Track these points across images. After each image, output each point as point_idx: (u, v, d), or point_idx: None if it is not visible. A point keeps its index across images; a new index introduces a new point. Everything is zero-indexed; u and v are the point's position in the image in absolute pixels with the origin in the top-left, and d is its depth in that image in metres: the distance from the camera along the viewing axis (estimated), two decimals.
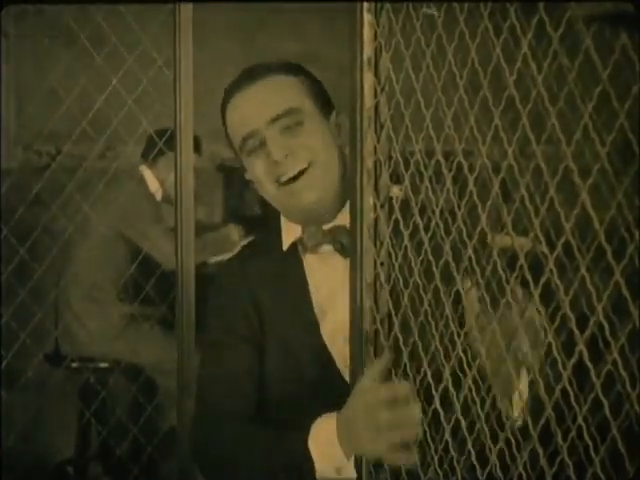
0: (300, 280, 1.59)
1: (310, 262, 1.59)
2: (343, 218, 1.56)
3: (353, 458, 1.29)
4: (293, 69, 1.56)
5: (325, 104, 1.57)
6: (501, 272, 0.95)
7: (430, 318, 1.14)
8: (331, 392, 1.48)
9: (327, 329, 1.55)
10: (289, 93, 1.53)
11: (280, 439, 1.43)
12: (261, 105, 1.51)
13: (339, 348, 1.53)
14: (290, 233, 1.60)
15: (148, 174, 3.57)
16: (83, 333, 3.45)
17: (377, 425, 1.21)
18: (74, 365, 3.43)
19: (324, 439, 1.34)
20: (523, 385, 1.30)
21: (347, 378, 1.50)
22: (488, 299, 1.17)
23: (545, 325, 1.23)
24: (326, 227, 1.56)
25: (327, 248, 1.56)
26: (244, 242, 1.75)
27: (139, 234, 3.43)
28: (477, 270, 1.02)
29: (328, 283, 1.57)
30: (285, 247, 1.61)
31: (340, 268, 1.55)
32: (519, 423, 1.30)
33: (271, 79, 1.53)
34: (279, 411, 1.59)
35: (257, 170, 1.53)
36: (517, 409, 1.29)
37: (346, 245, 1.54)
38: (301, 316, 1.57)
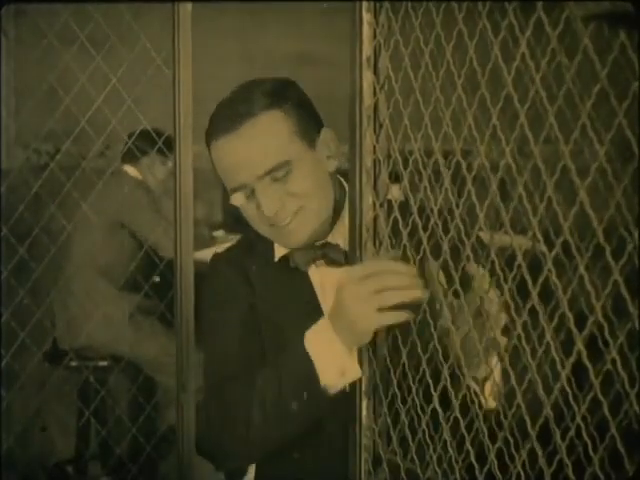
0: (305, 285, 1.60)
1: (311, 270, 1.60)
2: (334, 237, 1.58)
3: (356, 357, 1.28)
4: (277, 99, 1.51)
5: (311, 128, 1.54)
6: (499, 272, 0.95)
7: (429, 318, 1.14)
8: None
9: None
10: (277, 142, 1.49)
11: (278, 366, 1.41)
12: (250, 160, 1.49)
13: None
14: (281, 248, 1.61)
15: (134, 172, 3.63)
16: (84, 330, 3.45)
17: (363, 297, 1.21)
18: (73, 364, 3.43)
19: (321, 340, 1.33)
20: (496, 371, 1.30)
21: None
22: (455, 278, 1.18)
23: (501, 306, 1.24)
24: (318, 243, 1.58)
25: (319, 262, 1.58)
26: (233, 240, 1.76)
27: (138, 223, 3.47)
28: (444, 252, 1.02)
29: (322, 289, 1.59)
30: (276, 258, 1.62)
31: (332, 274, 1.56)
32: (493, 409, 1.30)
33: (256, 121, 1.49)
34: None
35: (247, 211, 1.53)
36: (491, 395, 1.30)
37: (337, 259, 1.56)
38: (309, 316, 1.57)
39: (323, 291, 1.59)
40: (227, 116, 1.51)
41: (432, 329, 1.11)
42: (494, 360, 1.30)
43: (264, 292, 1.61)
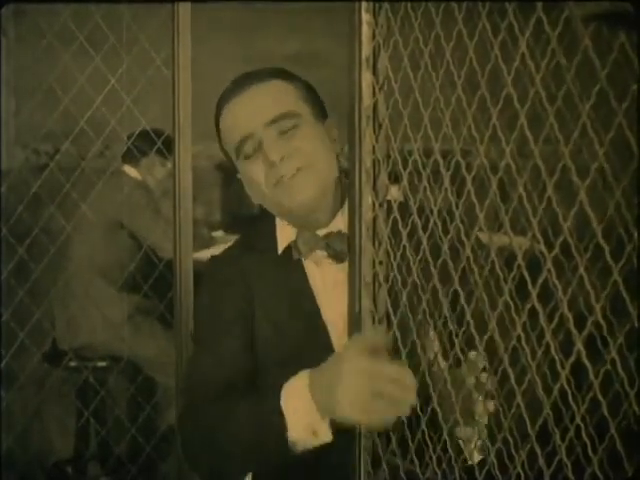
0: (302, 282, 1.59)
1: (306, 265, 1.60)
2: (338, 224, 1.57)
3: (328, 421, 1.28)
4: (287, 75, 1.56)
5: (319, 110, 1.57)
6: (499, 272, 0.95)
7: (429, 317, 1.14)
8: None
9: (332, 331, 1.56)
10: (285, 97, 1.53)
11: (254, 408, 1.39)
12: (258, 108, 1.52)
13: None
14: (284, 237, 1.61)
15: (134, 173, 3.63)
16: (84, 329, 3.45)
17: (359, 393, 1.18)
18: (72, 364, 3.43)
19: (297, 396, 1.30)
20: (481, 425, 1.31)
21: None
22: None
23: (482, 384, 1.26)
24: (320, 232, 1.57)
25: (321, 254, 1.58)
26: (231, 240, 1.76)
27: (137, 224, 3.46)
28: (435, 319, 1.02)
29: (324, 287, 1.58)
30: (280, 250, 1.61)
31: (333, 273, 1.56)
32: (475, 462, 1.30)
33: (266, 84, 1.54)
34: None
35: (254, 172, 1.53)
36: (474, 451, 1.30)
37: (340, 251, 1.56)
38: (307, 312, 1.58)
39: (323, 287, 1.59)
40: (238, 83, 1.54)
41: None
42: (480, 415, 1.31)
43: (264, 290, 1.61)
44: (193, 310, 1.71)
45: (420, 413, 1.13)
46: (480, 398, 1.28)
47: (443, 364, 1.24)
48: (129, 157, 3.60)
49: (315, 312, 1.57)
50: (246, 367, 1.57)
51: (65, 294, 3.49)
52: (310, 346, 1.57)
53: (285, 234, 1.60)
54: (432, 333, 1.26)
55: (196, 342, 1.65)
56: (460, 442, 1.30)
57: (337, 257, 1.57)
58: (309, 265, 1.59)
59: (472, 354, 1.27)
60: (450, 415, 1.13)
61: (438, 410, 1.12)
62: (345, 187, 1.59)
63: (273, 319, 1.59)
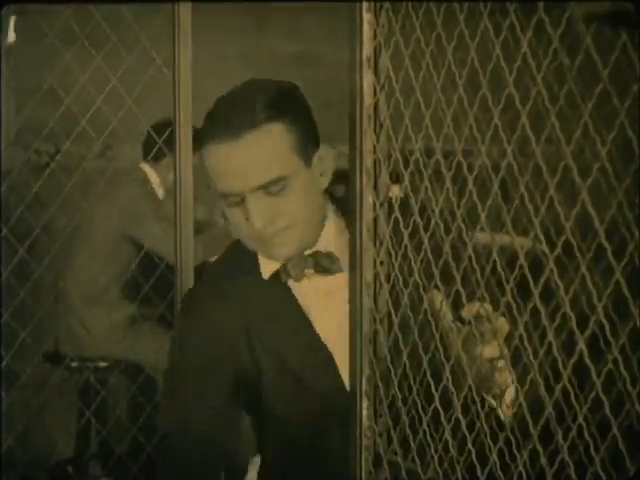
0: (294, 305, 1.57)
1: (293, 286, 1.57)
2: (323, 243, 1.55)
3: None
4: (280, 111, 1.47)
5: (309, 144, 1.51)
6: (500, 271, 0.95)
7: (430, 317, 1.14)
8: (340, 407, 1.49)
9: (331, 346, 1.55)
10: (277, 155, 1.46)
11: None
12: (247, 170, 1.45)
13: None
14: (270, 262, 1.57)
15: (150, 172, 3.55)
16: (85, 334, 3.45)
17: None
18: (74, 364, 3.43)
19: None
20: (507, 381, 1.30)
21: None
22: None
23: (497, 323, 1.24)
24: (308, 252, 1.55)
25: (309, 271, 1.56)
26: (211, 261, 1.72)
27: (143, 232, 3.42)
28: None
29: (316, 300, 1.57)
30: (266, 276, 1.57)
31: (322, 283, 1.55)
32: (509, 418, 1.30)
33: (258, 133, 1.45)
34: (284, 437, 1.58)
35: (235, 219, 1.50)
36: (504, 405, 1.30)
37: (327, 267, 1.54)
38: (305, 338, 1.56)
39: (315, 301, 1.57)
40: (228, 121, 1.46)
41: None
42: (504, 376, 1.30)
43: (258, 320, 1.57)
44: (171, 345, 1.67)
45: (422, 413, 1.13)
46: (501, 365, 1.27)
47: (452, 321, 1.23)
48: (149, 153, 3.40)
49: (312, 333, 1.56)
50: (222, 433, 1.57)
51: (68, 297, 3.48)
52: (313, 367, 1.56)
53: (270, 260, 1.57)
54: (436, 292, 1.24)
55: (166, 395, 1.64)
56: (491, 402, 1.30)
57: (325, 272, 1.55)
58: (295, 285, 1.57)
59: (494, 314, 1.23)
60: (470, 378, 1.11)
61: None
62: (326, 205, 1.57)
63: (273, 349, 1.56)
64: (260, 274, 1.58)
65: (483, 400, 1.27)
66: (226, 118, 1.46)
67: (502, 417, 1.32)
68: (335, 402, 1.50)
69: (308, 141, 1.51)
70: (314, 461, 1.59)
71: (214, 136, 1.46)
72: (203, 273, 1.70)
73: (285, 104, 1.49)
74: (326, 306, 1.56)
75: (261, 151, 1.45)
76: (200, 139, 1.51)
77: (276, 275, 1.57)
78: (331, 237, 1.55)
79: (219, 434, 1.57)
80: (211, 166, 1.49)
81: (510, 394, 1.32)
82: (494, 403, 1.32)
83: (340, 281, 1.51)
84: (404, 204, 1.15)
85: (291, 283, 1.57)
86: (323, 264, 1.54)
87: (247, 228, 1.49)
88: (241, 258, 1.59)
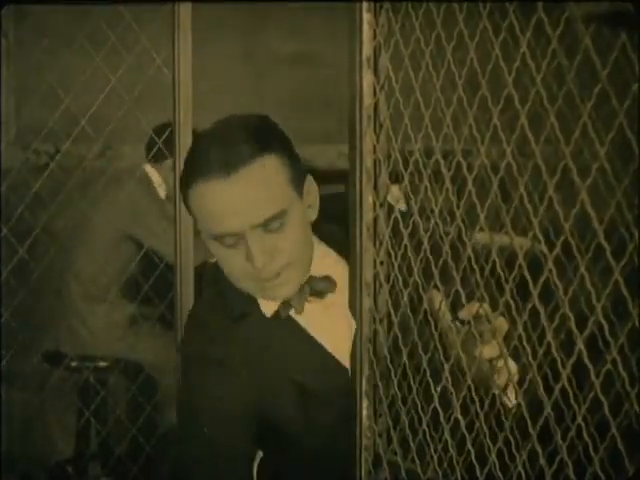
0: (303, 333, 1.54)
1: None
2: (316, 268, 1.52)
3: None
4: (268, 143, 1.41)
5: (300, 175, 1.47)
6: (500, 271, 0.95)
7: (430, 318, 1.14)
8: None
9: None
10: (275, 189, 1.40)
11: None
12: (247, 208, 1.38)
13: None
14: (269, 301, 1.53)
15: (152, 172, 3.54)
16: (85, 333, 3.45)
17: None
18: (73, 364, 3.43)
19: None
20: (512, 369, 1.30)
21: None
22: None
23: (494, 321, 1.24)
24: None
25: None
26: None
27: (144, 231, 3.41)
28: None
29: (316, 319, 1.55)
30: (269, 314, 1.53)
31: (319, 305, 1.53)
32: (514, 404, 1.30)
33: (251, 168, 1.38)
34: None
35: (230, 261, 1.43)
36: (511, 393, 1.30)
37: (321, 290, 1.52)
38: (324, 362, 1.54)
39: (318, 325, 1.55)
40: (216, 158, 1.38)
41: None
42: (503, 376, 1.30)
43: (268, 355, 1.53)
44: (177, 393, 1.61)
45: (421, 413, 1.13)
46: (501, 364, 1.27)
47: (451, 320, 1.23)
48: (154, 154, 3.42)
49: (326, 353, 1.54)
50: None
51: (69, 297, 3.48)
52: (330, 386, 1.52)
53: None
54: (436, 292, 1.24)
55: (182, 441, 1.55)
56: (495, 390, 1.30)
57: (319, 294, 1.52)
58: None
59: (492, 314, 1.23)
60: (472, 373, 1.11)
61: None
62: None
63: (293, 379, 1.52)
64: (262, 313, 1.53)
65: (482, 400, 1.27)
66: (214, 155, 1.39)
67: (509, 403, 1.31)
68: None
69: (299, 172, 1.46)
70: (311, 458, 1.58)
71: (202, 175, 1.38)
72: (195, 315, 1.62)
73: (270, 136, 1.45)
74: (327, 318, 1.55)
75: (259, 186, 1.39)
76: (185, 180, 1.43)
77: (278, 312, 1.53)
78: (319, 259, 1.53)
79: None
80: (201, 207, 1.41)
81: (514, 381, 1.32)
82: (499, 391, 1.31)
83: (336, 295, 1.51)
84: (404, 214, 1.15)
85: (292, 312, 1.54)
86: (317, 287, 1.51)
87: (245, 269, 1.42)
88: (236, 298, 1.52)
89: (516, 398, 1.26)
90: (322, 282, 1.52)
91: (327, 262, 1.53)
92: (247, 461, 1.57)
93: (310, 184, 1.50)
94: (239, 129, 1.42)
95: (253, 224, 1.39)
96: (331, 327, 1.54)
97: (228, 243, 1.41)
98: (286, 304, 1.52)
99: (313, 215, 1.51)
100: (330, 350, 1.54)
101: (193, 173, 1.40)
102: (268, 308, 1.54)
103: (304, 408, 1.53)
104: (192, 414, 1.53)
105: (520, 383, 1.22)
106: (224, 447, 1.50)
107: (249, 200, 1.38)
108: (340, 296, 1.48)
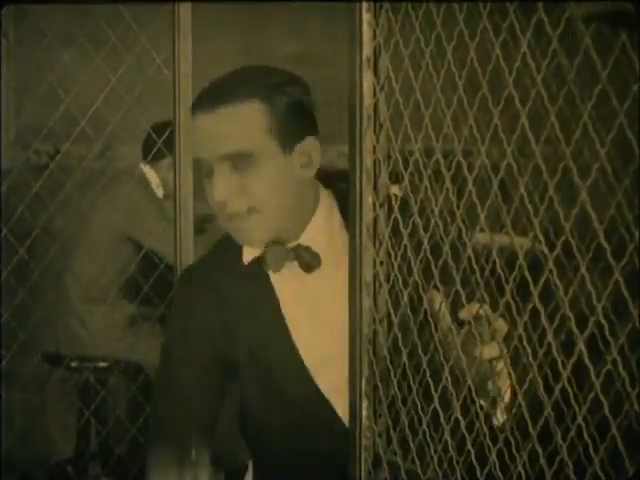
0: (269, 297, 1.57)
1: (275, 278, 1.57)
2: (307, 237, 1.54)
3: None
4: (268, 92, 1.49)
5: (293, 132, 1.50)
6: (500, 272, 0.95)
7: (430, 317, 1.14)
8: (315, 416, 1.51)
9: (305, 349, 1.56)
10: (245, 130, 1.47)
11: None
12: (214, 138, 1.48)
13: (321, 371, 1.54)
14: (250, 250, 1.57)
15: (150, 172, 3.54)
16: (85, 334, 3.45)
17: None
18: (73, 365, 3.43)
19: None
20: (503, 385, 1.30)
21: (330, 399, 1.53)
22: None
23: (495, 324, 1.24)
24: (290, 245, 1.54)
25: (292, 264, 1.54)
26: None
27: (143, 232, 3.41)
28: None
29: (297, 299, 1.57)
30: (246, 261, 1.58)
31: (307, 283, 1.55)
32: (501, 422, 1.30)
33: (234, 108, 1.47)
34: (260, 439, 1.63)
35: (210, 198, 1.51)
36: (499, 410, 1.29)
37: (309, 262, 1.53)
38: (277, 336, 1.57)
39: (291, 297, 1.57)
40: (212, 94, 1.50)
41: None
42: (503, 378, 1.30)
43: (233, 306, 1.59)
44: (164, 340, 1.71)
45: (421, 413, 1.13)
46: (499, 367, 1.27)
47: (450, 323, 1.23)
48: (149, 153, 3.42)
49: (284, 329, 1.56)
50: (205, 415, 1.63)
51: (68, 298, 3.48)
52: (281, 366, 1.57)
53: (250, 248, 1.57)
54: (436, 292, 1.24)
55: (159, 381, 1.67)
56: (483, 403, 1.29)
57: (307, 267, 1.54)
58: (275, 276, 1.57)
59: (492, 315, 1.22)
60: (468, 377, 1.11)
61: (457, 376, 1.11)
62: (316, 198, 1.56)
63: (247, 344, 1.58)
64: (241, 260, 1.58)
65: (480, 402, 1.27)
66: (212, 91, 1.51)
67: (495, 422, 1.32)
68: (308, 405, 1.53)
69: (292, 128, 1.50)
70: (298, 460, 1.60)
71: (198, 108, 1.50)
72: (192, 267, 1.74)
73: (277, 87, 1.50)
74: (300, 294, 1.56)
75: (232, 123, 1.47)
76: (192, 112, 1.54)
77: (255, 262, 1.56)
78: (318, 233, 1.54)
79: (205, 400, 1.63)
80: (193, 135, 1.55)
81: (506, 400, 1.32)
82: (488, 408, 1.31)
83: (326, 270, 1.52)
84: (404, 203, 1.15)
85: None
86: (305, 258, 1.53)
87: (218, 207, 1.50)
88: (228, 248, 1.60)
89: (504, 416, 1.26)
90: (307, 253, 1.53)
91: (326, 230, 1.53)
92: (216, 396, 1.65)
93: (309, 145, 1.51)
94: (249, 74, 1.53)
95: (218, 154, 1.47)
96: (306, 307, 1.56)
97: (205, 172, 1.50)
98: (261, 257, 1.54)
99: (306, 175, 1.52)
100: (289, 326, 1.56)
101: (194, 106, 1.52)
102: (247, 255, 1.58)
103: (250, 371, 1.59)
104: (167, 358, 1.66)
105: (513, 393, 1.22)
106: (196, 385, 1.61)
107: (219, 132, 1.48)
108: (331, 270, 1.50)
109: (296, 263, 1.54)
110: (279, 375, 1.56)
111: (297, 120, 1.50)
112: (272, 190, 1.48)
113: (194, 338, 1.61)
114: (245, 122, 1.47)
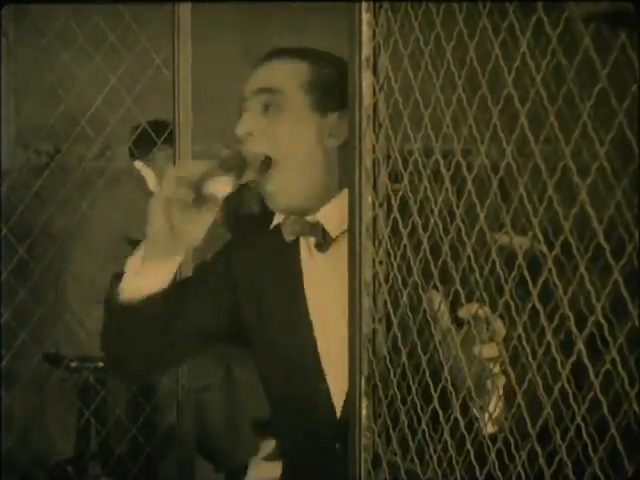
0: (292, 263, 1.60)
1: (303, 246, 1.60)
2: (324, 214, 1.54)
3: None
4: (314, 59, 1.56)
5: (327, 100, 1.53)
6: (499, 271, 0.95)
7: (429, 317, 1.14)
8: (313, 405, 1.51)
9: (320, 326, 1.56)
10: (282, 75, 1.54)
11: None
12: (254, 76, 1.56)
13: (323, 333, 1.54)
14: (278, 215, 1.61)
15: (145, 170, 3.54)
16: (84, 334, 3.45)
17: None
18: (73, 365, 3.43)
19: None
20: (496, 395, 1.30)
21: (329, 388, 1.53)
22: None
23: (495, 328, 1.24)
24: (310, 218, 1.55)
25: (311, 239, 1.56)
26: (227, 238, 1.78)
27: (142, 232, 3.40)
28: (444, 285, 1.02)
29: (318, 277, 1.58)
30: (271, 226, 1.61)
31: (327, 262, 1.56)
32: (490, 432, 1.30)
33: (283, 61, 1.56)
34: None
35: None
36: (489, 420, 1.29)
37: (320, 242, 1.55)
38: (296, 309, 1.58)
39: (314, 271, 1.58)
40: (271, 53, 1.59)
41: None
42: (498, 384, 1.30)
43: (252, 266, 1.63)
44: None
45: (421, 413, 1.13)
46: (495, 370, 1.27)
47: (449, 323, 1.23)
48: (140, 151, 3.45)
49: (302, 299, 1.57)
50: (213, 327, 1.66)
51: (67, 298, 3.48)
52: (292, 331, 1.58)
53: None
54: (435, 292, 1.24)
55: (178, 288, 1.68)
56: (475, 412, 1.29)
57: (320, 247, 1.55)
58: (304, 248, 1.59)
59: (492, 315, 1.22)
60: (464, 383, 1.11)
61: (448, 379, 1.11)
62: (342, 183, 1.56)
63: (259, 300, 1.61)
64: (269, 225, 1.62)
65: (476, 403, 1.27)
66: (273, 51, 1.60)
67: (484, 431, 1.31)
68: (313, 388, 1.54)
69: (326, 95, 1.54)
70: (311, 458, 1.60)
71: (260, 61, 1.59)
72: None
73: (324, 58, 1.58)
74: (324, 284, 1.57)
75: (278, 70, 1.55)
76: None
77: (278, 228, 1.60)
78: (336, 214, 1.54)
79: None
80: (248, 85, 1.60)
81: (496, 409, 1.32)
82: (478, 415, 1.31)
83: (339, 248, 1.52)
84: (403, 203, 1.15)
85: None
86: (318, 236, 1.54)
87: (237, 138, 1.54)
88: (265, 212, 1.64)
89: (493, 427, 1.26)
90: (321, 232, 1.54)
91: (343, 217, 1.54)
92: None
93: (339, 119, 1.53)
94: (306, 47, 1.63)
95: (251, 89, 1.54)
96: (315, 284, 1.57)
97: (239, 110, 1.56)
98: (283, 224, 1.58)
99: (331, 144, 1.54)
100: (309, 306, 1.57)
101: (256, 64, 1.60)
102: (276, 219, 1.61)
103: (263, 331, 1.62)
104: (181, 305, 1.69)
105: (508, 400, 1.22)
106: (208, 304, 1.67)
107: (260, 74, 1.56)
108: (339, 254, 1.50)
109: (314, 239, 1.55)
110: (286, 341, 1.58)
111: (333, 92, 1.54)
112: (294, 145, 1.51)
113: (211, 275, 1.68)
114: (287, 71, 1.54)
